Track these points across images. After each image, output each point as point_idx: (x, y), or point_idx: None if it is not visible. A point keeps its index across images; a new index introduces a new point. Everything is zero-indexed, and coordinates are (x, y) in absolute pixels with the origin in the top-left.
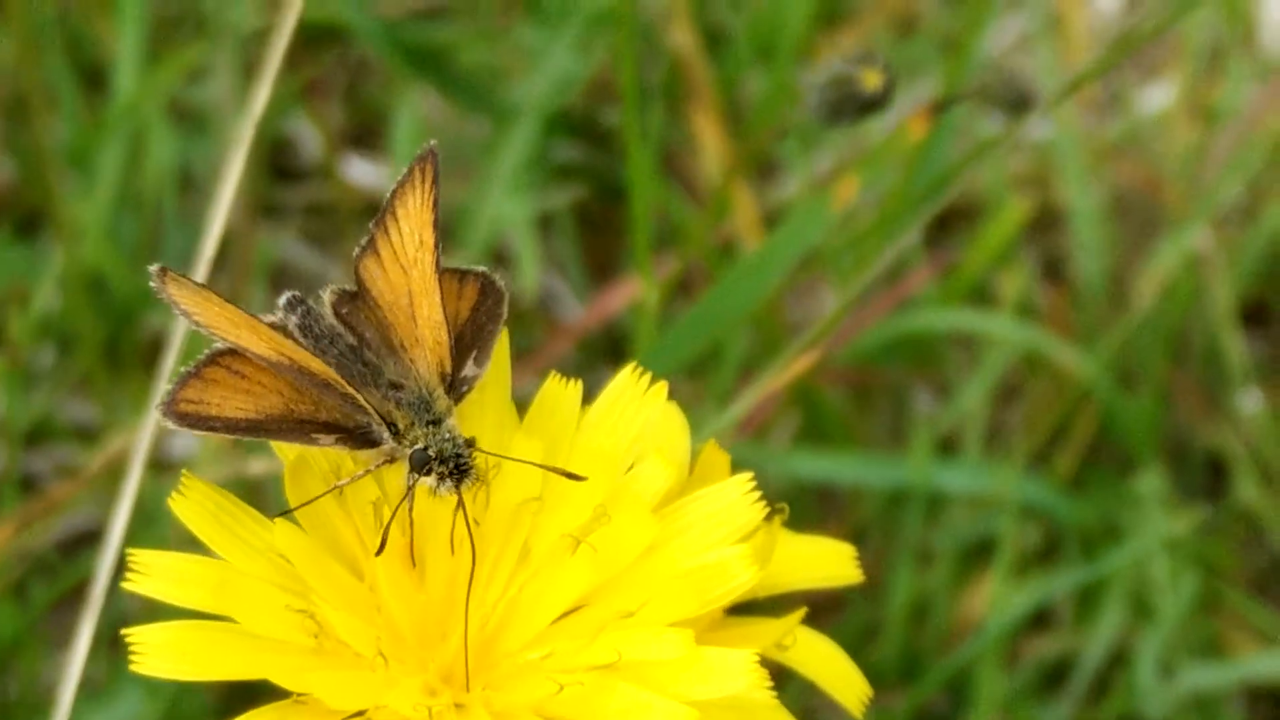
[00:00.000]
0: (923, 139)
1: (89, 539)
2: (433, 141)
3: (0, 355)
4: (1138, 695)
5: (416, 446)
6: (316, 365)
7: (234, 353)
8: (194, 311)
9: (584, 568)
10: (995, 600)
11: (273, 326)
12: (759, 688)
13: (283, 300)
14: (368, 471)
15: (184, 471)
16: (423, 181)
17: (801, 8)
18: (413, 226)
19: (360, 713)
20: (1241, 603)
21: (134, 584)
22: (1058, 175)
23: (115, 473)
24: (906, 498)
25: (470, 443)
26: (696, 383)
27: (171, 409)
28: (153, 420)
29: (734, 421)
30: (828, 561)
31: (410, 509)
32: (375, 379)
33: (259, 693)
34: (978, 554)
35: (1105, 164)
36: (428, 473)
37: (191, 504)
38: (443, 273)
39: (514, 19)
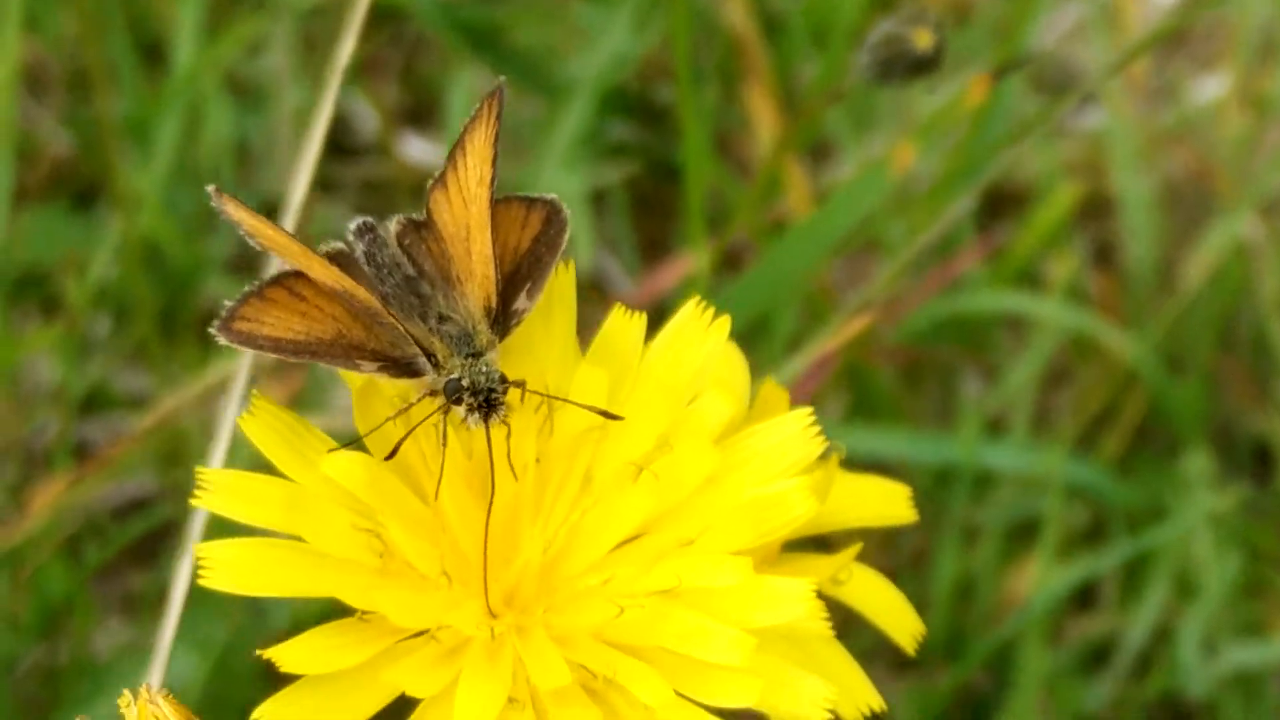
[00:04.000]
0: (977, 109)
1: (140, 506)
2: (502, 79)
3: (57, 323)
4: (1180, 673)
5: (451, 376)
6: (362, 294)
7: (298, 275)
8: (256, 232)
9: (645, 495)
10: (1040, 578)
11: (338, 252)
12: (815, 617)
13: (353, 226)
14: (421, 399)
15: (253, 391)
16: (488, 117)
17: None
18: (476, 161)
19: (422, 632)
20: None
21: (201, 500)
22: (1110, 163)
23: (168, 440)
24: (954, 476)
25: (503, 378)
26: (745, 356)
27: (227, 325)
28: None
29: (788, 384)
30: (883, 500)
31: (455, 437)
32: (425, 311)
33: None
34: (1024, 533)
35: (1157, 152)
36: (458, 402)
37: (260, 424)
38: (510, 201)
39: None
